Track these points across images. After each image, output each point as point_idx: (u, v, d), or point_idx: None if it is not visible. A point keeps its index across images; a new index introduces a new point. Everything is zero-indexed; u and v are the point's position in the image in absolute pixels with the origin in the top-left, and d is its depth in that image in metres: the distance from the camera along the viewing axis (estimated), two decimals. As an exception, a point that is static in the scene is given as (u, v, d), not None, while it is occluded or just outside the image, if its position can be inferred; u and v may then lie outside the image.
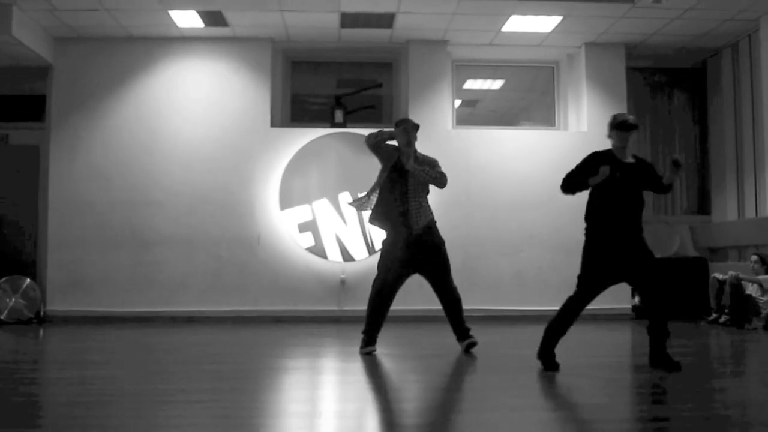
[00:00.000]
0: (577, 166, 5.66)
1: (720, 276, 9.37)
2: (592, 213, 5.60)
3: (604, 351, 6.28)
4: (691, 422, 3.87)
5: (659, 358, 5.39)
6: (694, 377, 5.19)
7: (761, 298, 8.67)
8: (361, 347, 6.49)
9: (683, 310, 9.52)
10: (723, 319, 9.04)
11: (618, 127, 5.57)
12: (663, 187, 5.64)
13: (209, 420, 4.01)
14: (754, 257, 8.98)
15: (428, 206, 6.60)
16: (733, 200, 10.36)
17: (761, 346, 7.41)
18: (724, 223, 10.55)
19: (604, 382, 5.30)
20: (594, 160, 5.55)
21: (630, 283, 5.74)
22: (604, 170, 5.36)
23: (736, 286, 8.86)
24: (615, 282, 5.53)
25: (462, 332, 6.58)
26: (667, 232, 10.46)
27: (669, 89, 11.30)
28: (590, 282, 5.49)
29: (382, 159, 6.61)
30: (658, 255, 10.01)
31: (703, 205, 11.14)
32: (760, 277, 8.80)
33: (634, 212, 5.51)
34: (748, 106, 10.09)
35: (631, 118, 5.62)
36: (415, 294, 9.80)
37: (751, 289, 8.81)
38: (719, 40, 10.23)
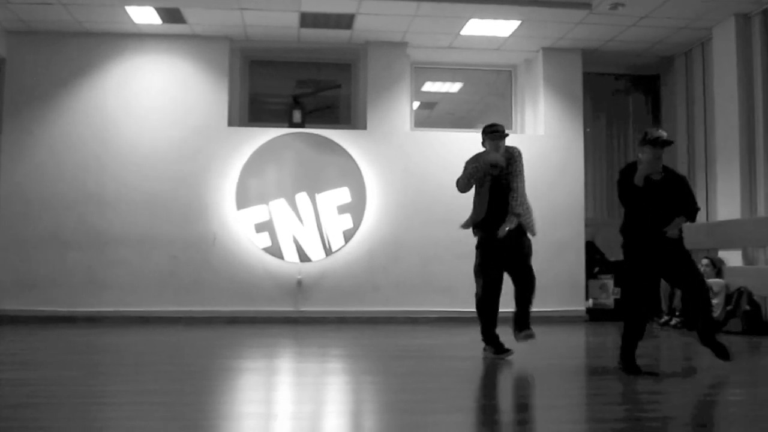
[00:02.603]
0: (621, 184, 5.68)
1: (672, 279, 9.52)
2: (626, 228, 5.70)
3: (559, 353, 6.33)
4: (640, 422, 3.91)
5: (716, 348, 5.61)
6: (645, 380, 5.26)
7: (712, 301, 8.80)
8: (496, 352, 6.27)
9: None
10: (674, 321, 9.19)
11: (651, 143, 5.52)
12: (688, 213, 5.70)
13: (159, 422, 3.95)
14: (705, 261, 9.14)
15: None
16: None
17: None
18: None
19: (559, 384, 5.35)
20: (627, 176, 5.60)
21: (670, 283, 5.84)
22: None
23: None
24: (659, 277, 5.70)
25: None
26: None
27: (625, 95, 11.47)
28: (639, 281, 5.58)
29: (477, 180, 6.44)
30: (612, 258, 10.25)
31: (656, 209, 11.30)
32: (711, 280, 8.94)
33: (665, 225, 5.57)
34: (700, 112, 10.28)
35: (664, 134, 5.57)
36: (371, 296, 9.86)
37: (702, 293, 8.94)
38: (673, 47, 10.41)
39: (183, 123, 9.88)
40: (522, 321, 6.25)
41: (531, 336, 6.21)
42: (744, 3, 8.77)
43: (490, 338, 6.24)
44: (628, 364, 5.51)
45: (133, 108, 9.84)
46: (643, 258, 5.57)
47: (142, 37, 9.87)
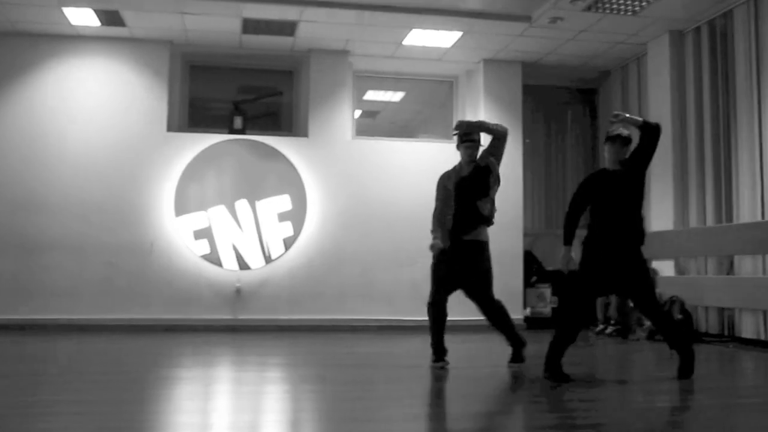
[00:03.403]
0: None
1: (607, 289, 9.71)
2: (589, 225, 5.80)
3: (496, 361, 6.39)
4: (576, 430, 3.98)
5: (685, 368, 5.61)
6: (579, 387, 5.35)
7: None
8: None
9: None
10: (609, 330, 9.38)
11: (607, 140, 5.75)
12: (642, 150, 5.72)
13: (95, 432, 3.87)
14: (639, 271, 9.34)
15: None
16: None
17: (644, 356, 7.70)
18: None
19: (496, 392, 5.41)
20: (589, 179, 5.86)
21: (620, 295, 5.90)
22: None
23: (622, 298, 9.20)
24: (607, 293, 5.68)
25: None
26: (558, 245, 10.71)
27: (564, 107, 11.67)
28: (586, 291, 5.65)
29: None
30: (550, 267, 10.40)
31: (592, 220, 11.52)
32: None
33: (625, 220, 5.65)
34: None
35: (622, 132, 5.70)
36: (312, 304, 9.82)
37: (636, 302, 9.14)
38: (610, 61, 10.65)
39: (121, 127, 9.71)
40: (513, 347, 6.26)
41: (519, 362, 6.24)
42: (678, 20, 9.02)
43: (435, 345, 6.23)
44: (555, 372, 5.49)
45: (69, 112, 9.63)
46: (598, 268, 5.61)
47: (79, 39, 9.68)
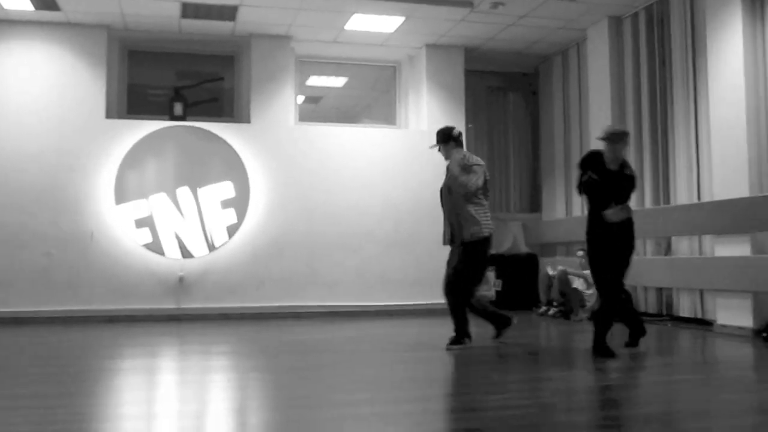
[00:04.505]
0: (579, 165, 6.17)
1: (549, 271, 9.88)
2: (589, 216, 6.11)
3: (443, 344, 6.44)
4: (521, 410, 4.04)
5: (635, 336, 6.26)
6: (524, 367, 5.42)
7: (587, 291, 9.17)
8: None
9: (516, 302, 9.96)
10: (552, 311, 9.54)
11: (603, 139, 6.03)
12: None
13: (30, 427, 3.77)
14: (580, 252, 9.48)
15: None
16: (561, 199, 10.93)
17: (586, 336, 7.83)
18: (553, 220, 11.11)
19: (442, 375, 5.45)
20: (588, 159, 6.15)
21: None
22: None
23: (564, 280, 9.35)
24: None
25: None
26: (501, 229, 10.86)
27: (506, 92, 11.78)
28: (604, 267, 5.93)
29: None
30: (492, 251, 10.49)
31: (534, 203, 11.69)
32: (586, 271, 9.30)
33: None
34: (575, 110, 10.68)
35: (605, 131, 6.04)
36: (256, 292, 9.76)
37: (578, 283, 9.31)
38: (551, 47, 10.77)
39: (58, 115, 9.47)
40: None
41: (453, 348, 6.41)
42: (616, 6, 9.15)
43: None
44: (604, 349, 5.84)
45: (2, 99, 9.35)
46: (605, 250, 5.92)
47: (12, 23, 9.40)
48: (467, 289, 6.45)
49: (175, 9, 9.12)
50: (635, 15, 9.30)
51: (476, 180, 6.41)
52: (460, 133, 6.78)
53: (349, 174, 10.17)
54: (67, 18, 9.37)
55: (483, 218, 6.42)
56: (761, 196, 7.20)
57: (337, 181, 10.17)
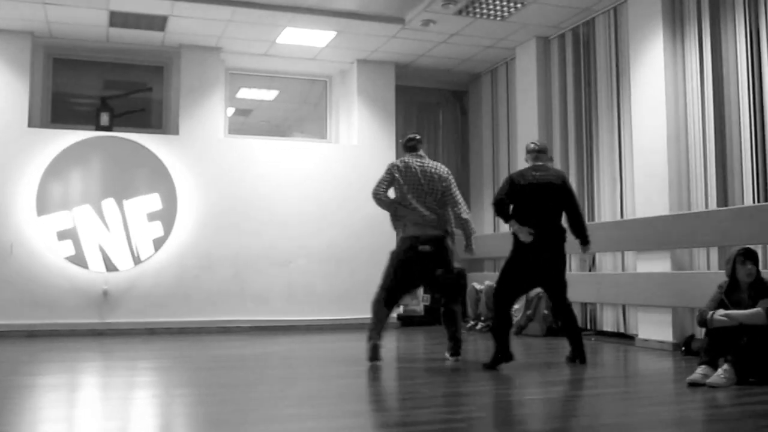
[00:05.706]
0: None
1: (477, 286, 10.00)
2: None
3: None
4: (450, 424, 4.07)
5: (578, 353, 6.36)
6: (451, 381, 5.46)
7: (514, 306, 9.29)
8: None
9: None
10: (480, 326, 9.64)
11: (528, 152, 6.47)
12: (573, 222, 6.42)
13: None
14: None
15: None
16: (489, 215, 11.07)
17: (513, 350, 7.93)
18: (481, 236, 11.23)
19: (370, 389, 5.45)
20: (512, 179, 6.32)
21: (543, 288, 6.59)
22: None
23: (492, 295, 9.46)
24: (530, 288, 6.55)
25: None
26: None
27: (436, 108, 11.91)
28: (509, 283, 6.21)
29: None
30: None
31: (463, 219, 11.78)
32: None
33: (545, 223, 6.20)
34: (504, 128, 10.86)
35: (531, 146, 6.47)
36: (182, 306, 9.60)
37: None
38: (481, 65, 10.95)
39: (-23, 122, 9.18)
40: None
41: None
42: (543, 27, 9.36)
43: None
44: (505, 353, 6.08)
45: None
46: (522, 262, 6.17)
47: (-71, 27, 9.10)
48: (379, 293, 6.47)
49: (102, 17, 8.96)
50: (562, 36, 9.53)
51: (376, 186, 6.57)
52: (409, 139, 6.80)
53: (279, 188, 10.12)
54: (-12, 23, 9.11)
55: (398, 223, 6.63)
56: (681, 214, 7.43)
57: (267, 195, 10.11)
